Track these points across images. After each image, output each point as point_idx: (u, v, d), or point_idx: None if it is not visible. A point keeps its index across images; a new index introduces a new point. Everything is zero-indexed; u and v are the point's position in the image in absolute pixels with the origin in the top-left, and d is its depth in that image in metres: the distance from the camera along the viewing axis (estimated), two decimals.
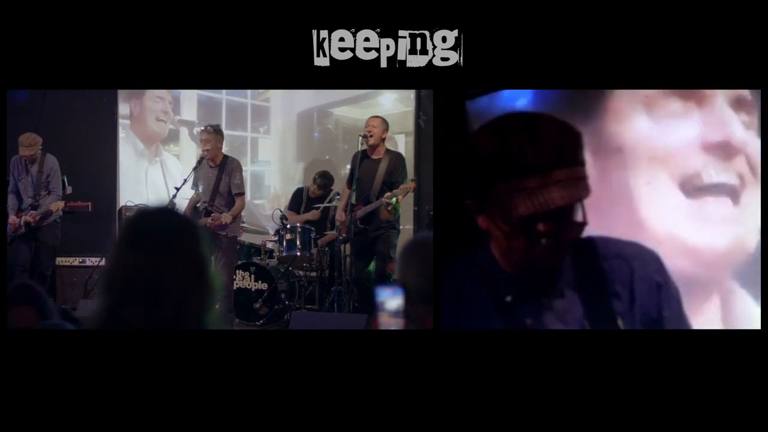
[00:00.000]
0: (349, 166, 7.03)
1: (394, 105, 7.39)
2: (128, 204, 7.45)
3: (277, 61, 2.90)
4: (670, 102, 2.81)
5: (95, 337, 1.87)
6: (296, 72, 2.89)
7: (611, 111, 2.83)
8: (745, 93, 2.82)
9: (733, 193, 2.79)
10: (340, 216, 6.04)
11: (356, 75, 2.86)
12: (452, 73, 2.82)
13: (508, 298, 1.97)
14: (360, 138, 5.88)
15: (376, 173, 5.84)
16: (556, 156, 1.82)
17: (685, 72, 2.82)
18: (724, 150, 2.77)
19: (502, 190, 1.84)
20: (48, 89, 6.86)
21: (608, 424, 2.49)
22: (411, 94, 7.21)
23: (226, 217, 5.77)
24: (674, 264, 2.67)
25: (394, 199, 5.63)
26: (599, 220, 2.11)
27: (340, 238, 6.11)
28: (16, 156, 6.24)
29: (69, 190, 7.05)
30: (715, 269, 2.79)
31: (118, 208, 7.65)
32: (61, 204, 6.18)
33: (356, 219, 5.80)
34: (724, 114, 2.80)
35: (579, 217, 1.89)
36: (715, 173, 2.77)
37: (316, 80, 2.89)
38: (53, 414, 2.04)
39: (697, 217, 2.78)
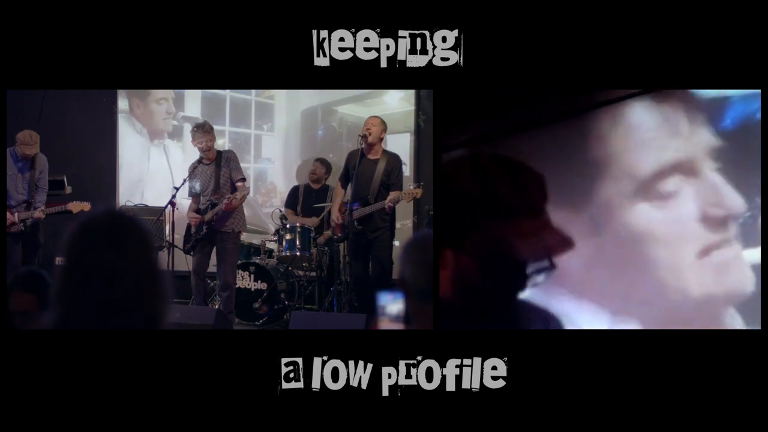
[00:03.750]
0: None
1: (400, 103, 7.38)
2: (128, 204, 7.46)
3: (277, 61, 2.90)
4: (663, 183, 2.85)
5: (95, 337, 1.87)
6: (296, 72, 2.88)
7: (603, 199, 2.87)
8: (718, 143, 2.86)
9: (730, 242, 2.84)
10: (335, 216, 6.05)
11: (356, 75, 2.86)
12: (452, 73, 2.82)
13: None
14: (359, 138, 5.89)
15: (374, 174, 5.85)
16: (542, 199, 1.84)
17: (685, 72, 2.82)
18: (724, 221, 2.82)
19: (492, 227, 1.84)
20: (48, 89, 6.86)
21: (608, 424, 2.49)
22: (419, 92, 7.20)
23: (241, 192, 5.79)
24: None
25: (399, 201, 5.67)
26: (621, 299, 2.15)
27: (335, 237, 6.12)
28: (12, 149, 6.18)
29: (69, 190, 7.05)
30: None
31: (117, 208, 7.64)
32: (42, 214, 6.17)
33: (354, 220, 5.80)
34: (716, 183, 2.84)
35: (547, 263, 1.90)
36: (719, 243, 2.82)
37: (316, 80, 2.89)
38: (53, 414, 2.04)
39: (707, 272, 2.83)
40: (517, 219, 1.82)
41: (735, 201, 2.84)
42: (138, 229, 1.64)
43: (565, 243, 1.85)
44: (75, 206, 6.12)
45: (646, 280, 2.82)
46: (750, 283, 2.82)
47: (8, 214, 6.09)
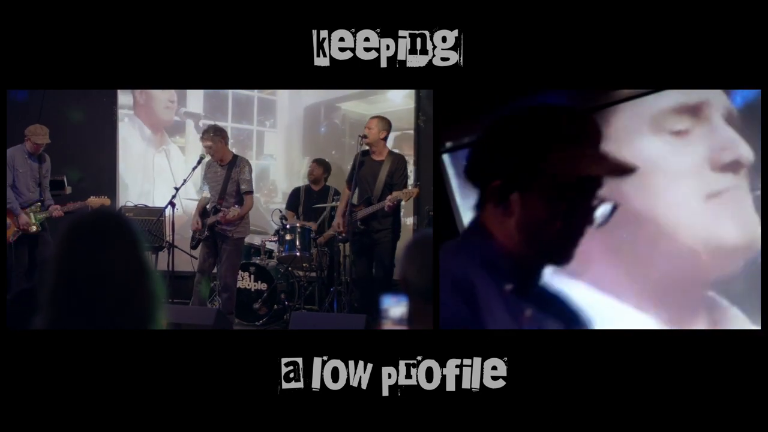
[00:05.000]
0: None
1: (404, 101, 7.35)
2: (128, 204, 7.46)
3: (277, 61, 2.90)
4: (675, 121, 2.86)
5: (95, 337, 1.87)
6: (296, 72, 2.88)
7: (614, 132, 2.88)
8: (733, 109, 2.88)
9: (739, 193, 2.85)
10: (338, 219, 6.04)
11: (356, 75, 2.86)
12: (452, 73, 2.82)
13: (509, 287, 1.96)
14: (359, 138, 5.91)
15: (378, 175, 5.85)
16: (598, 132, 1.90)
17: (685, 72, 2.82)
18: (733, 166, 2.83)
19: (559, 158, 1.86)
20: (48, 89, 6.85)
21: (608, 424, 2.49)
22: (420, 91, 7.17)
23: (234, 211, 5.73)
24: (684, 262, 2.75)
25: (399, 201, 5.67)
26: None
27: (340, 237, 6.11)
28: (20, 147, 6.13)
29: (69, 190, 7.03)
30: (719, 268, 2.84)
31: (117, 208, 7.65)
32: (61, 212, 6.11)
33: (357, 220, 5.81)
34: (727, 132, 2.85)
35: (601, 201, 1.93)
36: (724, 188, 2.84)
37: (316, 80, 2.89)
38: (55, 414, 2.04)
39: (716, 217, 2.85)
40: (580, 147, 1.86)
41: (744, 148, 2.85)
42: (127, 228, 1.64)
43: (628, 170, 1.89)
44: (94, 202, 6.06)
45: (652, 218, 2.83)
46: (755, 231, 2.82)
47: (24, 217, 6.00)
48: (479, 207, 1.98)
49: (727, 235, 2.85)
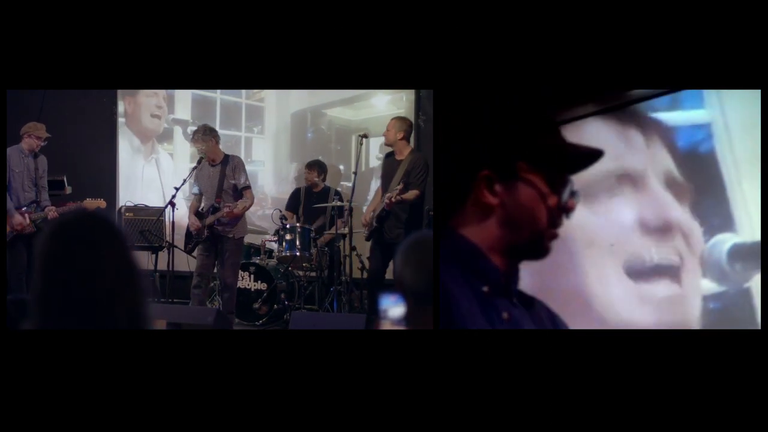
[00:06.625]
0: (341, 166, 7.48)
1: (387, 107, 7.41)
2: (127, 204, 7.46)
3: (277, 61, 2.90)
4: (604, 188, 2.87)
5: (94, 337, 1.87)
6: (295, 72, 2.89)
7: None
8: (677, 175, 2.89)
9: (674, 273, 2.85)
10: (366, 216, 6.12)
11: (355, 75, 2.86)
12: (452, 73, 2.82)
13: (485, 288, 1.96)
14: (359, 137, 6.01)
15: (395, 174, 5.90)
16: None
17: (684, 72, 2.82)
18: (663, 231, 2.83)
19: (539, 143, 1.87)
20: (48, 89, 6.85)
21: (608, 424, 2.49)
22: (404, 96, 7.24)
23: (242, 203, 5.73)
24: None
25: (393, 198, 5.68)
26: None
27: (366, 234, 6.11)
28: (15, 147, 6.07)
29: (69, 190, 7.02)
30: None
31: (117, 208, 7.65)
32: (56, 214, 6.05)
33: (375, 217, 5.89)
34: (659, 195, 2.86)
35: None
36: (656, 254, 2.83)
37: (315, 80, 2.89)
38: (54, 415, 2.04)
39: (641, 300, 2.84)
40: (556, 132, 1.87)
41: (677, 212, 2.86)
42: (110, 228, 1.64)
43: (597, 153, 1.89)
44: (90, 204, 6.04)
45: (579, 285, 2.83)
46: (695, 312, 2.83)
47: (18, 217, 5.98)
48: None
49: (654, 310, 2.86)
